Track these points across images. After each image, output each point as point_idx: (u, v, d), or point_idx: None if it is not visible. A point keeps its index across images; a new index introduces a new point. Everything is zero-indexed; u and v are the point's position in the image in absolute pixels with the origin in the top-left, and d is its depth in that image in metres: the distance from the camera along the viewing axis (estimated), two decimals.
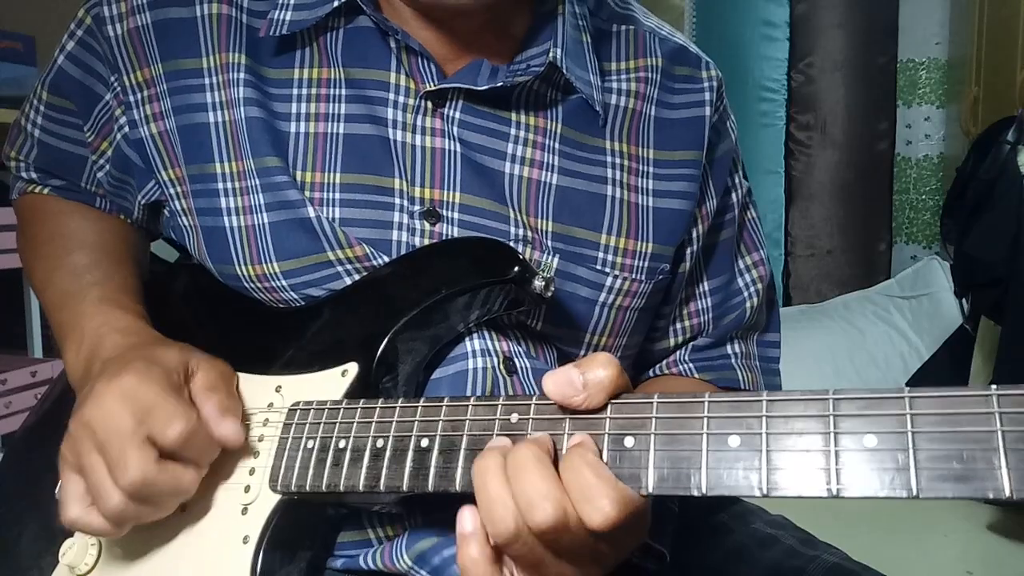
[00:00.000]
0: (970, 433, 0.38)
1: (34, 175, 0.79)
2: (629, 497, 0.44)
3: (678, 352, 0.80)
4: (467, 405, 0.51)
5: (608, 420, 0.46)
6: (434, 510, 0.63)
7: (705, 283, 0.78)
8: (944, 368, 2.43)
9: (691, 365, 0.79)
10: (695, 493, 0.43)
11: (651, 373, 0.81)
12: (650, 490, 0.44)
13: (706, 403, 0.44)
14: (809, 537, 0.73)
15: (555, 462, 0.45)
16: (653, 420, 0.45)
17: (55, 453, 0.58)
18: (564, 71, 0.66)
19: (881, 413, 0.40)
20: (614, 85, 0.71)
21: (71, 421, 0.57)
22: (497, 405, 0.50)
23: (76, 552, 0.61)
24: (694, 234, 0.74)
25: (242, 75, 0.66)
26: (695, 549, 0.71)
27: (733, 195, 0.78)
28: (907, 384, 2.50)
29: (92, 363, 0.62)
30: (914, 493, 0.38)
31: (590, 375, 0.46)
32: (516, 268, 0.60)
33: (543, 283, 0.60)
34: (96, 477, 0.55)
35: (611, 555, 0.47)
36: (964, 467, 0.37)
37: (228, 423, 0.57)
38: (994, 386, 0.38)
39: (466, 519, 0.46)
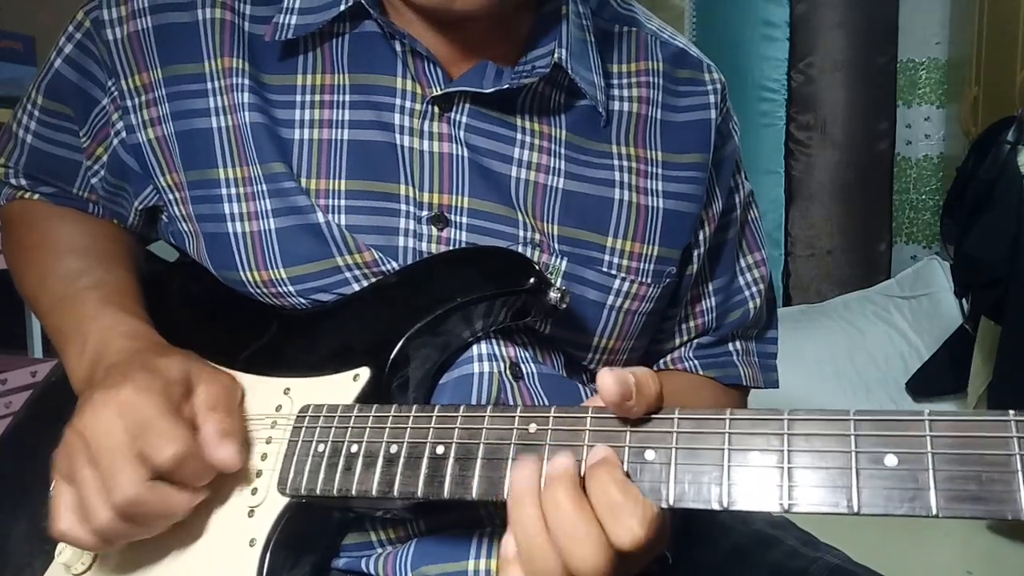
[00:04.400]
0: (988, 456, 0.39)
1: (23, 182, 0.77)
2: (655, 514, 0.44)
3: (682, 349, 0.81)
4: (484, 415, 0.51)
5: (629, 433, 0.47)
6: (437, 514, 0.64)
7: (710, 283, 0.79)
8: (944, 368, 2.43)
9: (696, 362, 0.80)
10: (716, 507, 0.43)
11: (655, 368, 0.82)
12: (671, 503, 0.44)
13: (727, 419, 0.45)
14: (810, 538, 0.73)
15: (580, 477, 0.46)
16: (675, 434, 0.46)
17: (46, 450, 0.57)
18: (569, 72, 0.66)
19: (901, 434, 0.41)
20: (616, 91, 0.71)
21: (67, 427, 0.56)
22: (515, 415, 0.50)
23: (73, 551, 0.60)
24: (700, 237, 0.75)
25: (244, 80, 0.66)
26: (696, 549, 0.71)
27: (736, 196, 0.79)
28: (907, 384, 2.51)
29: (96, 367, 0.61)
30: (933, 512, 0.39)
31: (645, 390, 0.46)
32: (532, 279, 0.60)
33: (558, 295, 0.60)
34: (86, 492, 0.53)
35: (629, 570, 0.47)
36: (982, 488, 0.38)
37: (226, 447, 0.56)
38: (1012, 411, 0.39)
39: (508, 546, 0.47)
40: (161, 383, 0.56)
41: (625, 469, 0.46)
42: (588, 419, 0.48)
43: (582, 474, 0.46)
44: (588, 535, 0.44)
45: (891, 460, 0.40)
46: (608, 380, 0.45)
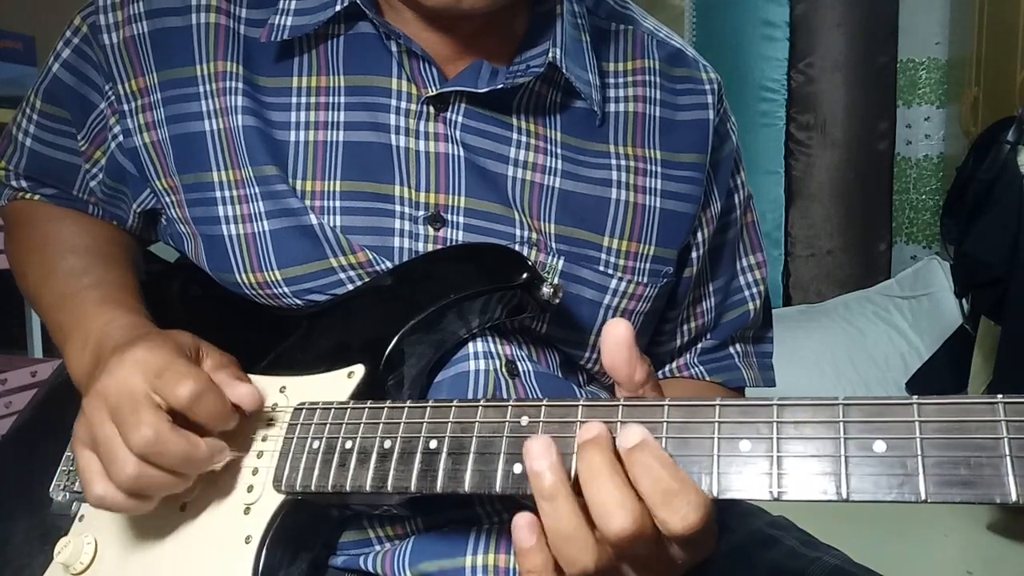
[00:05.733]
0: (977, 440, 0.39)
1: (24, 183, 0.78)
2: (707, 499, 0.43)
3: (687, 355, 0.81)
4: (477, 407, 0.51)
5: (619, 424, 0.46)
6: (435, 511, 0.64)
7: (711, 284, 0.79)
8: (944, 368, 2.43)
9: (703, 368, 0.80)
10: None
11: (660, 375, 0.82)
12: None
13: (717, 407, 0.45)
14: (810, 538, 0.73)
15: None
16: (664, 424, 0.45)
17: (47, 451, 0.58)
18: (564, 71, 0.66)
19: (890, 419, 0.41)
20: (612, 92, 0.71)
21: (84, 399, 0.56)
22: (507, 407, 0.50)
23: (72, 550, 0.60)
24: (699, 237, 0.75)
25: (237, 84, 0.66)
26: None
27: (736, 196, 0.79)
28: (907, 384, 2.51)
29: (100, 354, 0.61)
30: (922, 498, 0.39)
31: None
32: (525, 275, 0.60)
33: (551, 290, 0.60)
34: (109, 446, 0.53)
35: (684, 564, 0.46)
36: (971, 473, 0.38)
37: (243, 386, 0.57)
38: (1000, 395, 0.39)
39: (524, 533, 0.45)
40: (173, 343, 0.57)
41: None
42: (579, 409, 0.48)
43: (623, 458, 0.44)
44: (623, 505, 0.42)
45: (880, 446, 0.40)
46: (622, 324, 0.47)
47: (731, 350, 0.81)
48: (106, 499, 0.54)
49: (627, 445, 0.44)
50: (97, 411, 0.55)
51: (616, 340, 0.47)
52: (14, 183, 0.79)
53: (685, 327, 0.79)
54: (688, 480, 0.43)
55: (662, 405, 0.46)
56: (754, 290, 0.81)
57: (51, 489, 0.67)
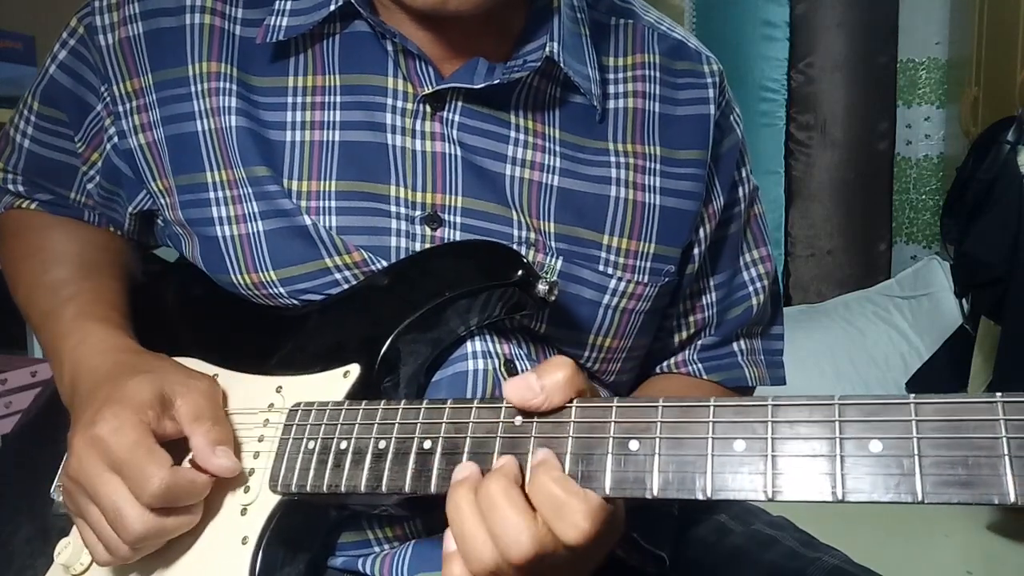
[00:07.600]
0: (975, 439, 0.38)
1: (21, 188, 0.78)
2: (600, 506, 0.45)
3: (686, 351, 0.80)
4: (471, 407, 0.51)
5: (613, 424, 0.46)
6: (435, 511, 0.63)
7: (711, 278, 0.78)
8: (944, 368, 2.42)
9: (700, 366, 0.79)
10: (700, 497, 0.43)
11: (658, 370, 0.81)
12: (655, 494, 0.44)
13: (711, 407, 0.44)
14: (810, 538, 0.73)
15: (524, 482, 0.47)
16: (658, 424, 0.45)
17: (50, 452, 0.58)
18: (562, 65, 0.65)
19: (886, 419, 0.40)
20: (611, 88, 0.71)
21: (61, 471, 0.58)
22: (501, 408, 0.50)
23: (71, 552, 0.61)
24: (701, 234, 0.74)
25: (229, 85, 0.66)
26: (695, 550, 0.71)
27: (740, 190, 0.78)
28: (907, 384, 2.51)
29: (75, 392, 0.63)
30: (919, 498, 0.38)
31: (547, 379, 0.47)
32: (520, 272, 0.60)
33: (547, 287, 0.60)
34: (100, 529, 0.56)
35: (588, 562, 0.48)
36: (969, 473, 0.38)
37: (220, 455, 0.57)
38: (999, 393, 0.38)
39: (450, 540, 0.47)
40: (131, 413, 0.56)
41: (609, 461, 0.46)
42: (573, 410, 0.48)
43: (527, 478, 0.47)
44: (524, 530, 0.44)
45: (876, 446, 0.40)
46: (508, 391, 0.48)
47: (734, 347, 0.80)
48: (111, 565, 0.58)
49: (531, 465, 0.46)
50: (77, 495, 0.57)
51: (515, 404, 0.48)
52: (11, 187, 0.78)
53: (684, 321, 0.78)
54: (578, 492, 0.45)
55: (656, 405, 0.46)
56: (758, 285, 0.80)
57: (52, 490, 0.67)
